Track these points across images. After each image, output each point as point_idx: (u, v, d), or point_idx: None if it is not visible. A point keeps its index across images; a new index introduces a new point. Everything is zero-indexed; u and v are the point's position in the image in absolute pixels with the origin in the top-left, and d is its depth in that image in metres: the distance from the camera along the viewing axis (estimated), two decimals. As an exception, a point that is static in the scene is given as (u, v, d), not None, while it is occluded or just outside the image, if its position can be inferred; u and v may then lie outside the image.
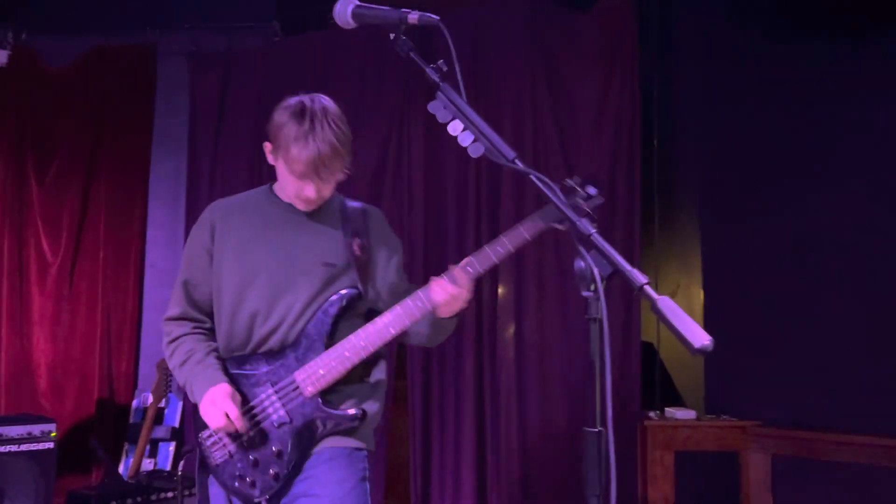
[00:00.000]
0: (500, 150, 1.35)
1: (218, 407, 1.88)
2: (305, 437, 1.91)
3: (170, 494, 3.37)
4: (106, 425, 4.50)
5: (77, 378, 4.67)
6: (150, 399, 4.00)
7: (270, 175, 2.08)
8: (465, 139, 1.38)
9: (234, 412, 1.87)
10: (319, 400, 1.90)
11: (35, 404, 4.57)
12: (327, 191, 1.95)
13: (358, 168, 2.26)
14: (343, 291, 1.95)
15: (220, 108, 4.77)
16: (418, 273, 3.90)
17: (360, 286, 1.97)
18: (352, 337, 1.89)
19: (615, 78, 3.94)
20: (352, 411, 1.92)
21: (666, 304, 1.15)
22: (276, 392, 1.92)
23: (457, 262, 1.87)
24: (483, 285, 3.92)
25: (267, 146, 1.94)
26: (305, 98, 1.90)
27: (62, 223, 4.75)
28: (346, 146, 1.87)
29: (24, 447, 3.03)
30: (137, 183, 4.88)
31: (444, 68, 1.44)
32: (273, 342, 1.95)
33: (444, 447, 4.03)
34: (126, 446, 4.30)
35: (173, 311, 2.08)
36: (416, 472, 4.04)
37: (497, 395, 3.92)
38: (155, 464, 4.24)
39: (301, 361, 1.91)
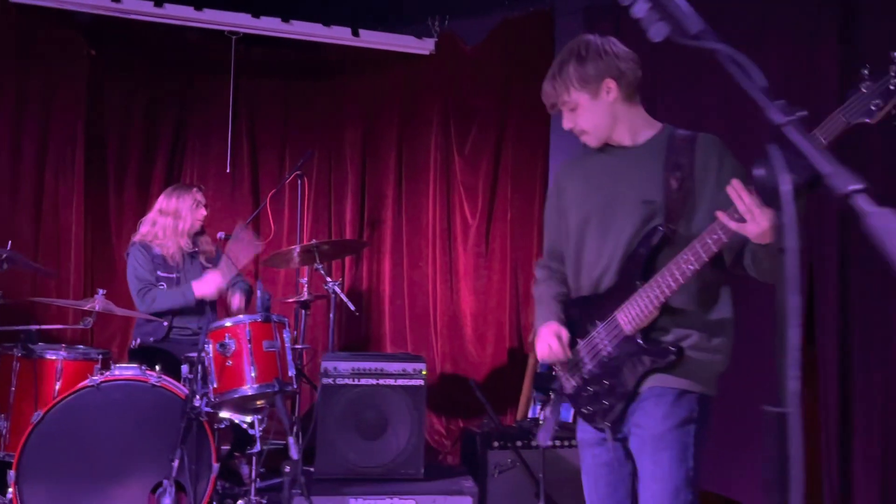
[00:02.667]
0: (682, 25, 1.01)
1: (543, 341, 2.10)
2: (630, 373, 1.98)
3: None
4: (515, 373, 4.81)
5: (494, 328, 5.10)
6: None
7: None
8: (648, 22, 1.07)
9: (556, 346, 2.06)
10: (639, 337, 1.96)
11: (463, 349, 5.14)
12: (576, 122, 2.08)
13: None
14: (651, 227, 1.97)
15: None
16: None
17: (671, 223, 1.95)
18: (659, 274, 1.90)
19: None
20: (667, 347, 1.93)
21: (883, 219, 0.73)
22: (605, 329, 2.03)
23: None
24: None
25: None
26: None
27: (478, 188, 5.20)
28: (563, 75, 2.02)
29: (399, 382, 3.41)
30: (539, 145, 5.06)
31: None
32: (604, 284, 2.07)
33: (870, 434, 3.30)
34: (530, 394, 4.54)
35: (542, 258, 2.36)
36: (830, 465, 3.39)
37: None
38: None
39: (621, 300, 1.99)
